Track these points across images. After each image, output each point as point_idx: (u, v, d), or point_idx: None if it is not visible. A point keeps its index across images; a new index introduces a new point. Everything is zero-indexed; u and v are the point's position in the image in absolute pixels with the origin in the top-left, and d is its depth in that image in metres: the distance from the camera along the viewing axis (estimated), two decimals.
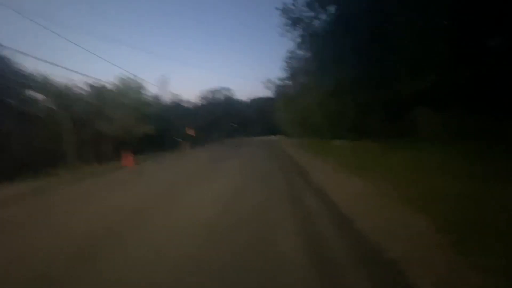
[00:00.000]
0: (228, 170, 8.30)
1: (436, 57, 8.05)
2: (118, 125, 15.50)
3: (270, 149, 17.19)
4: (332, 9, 13.20)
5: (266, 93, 73.28)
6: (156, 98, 28.49)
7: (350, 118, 13.24)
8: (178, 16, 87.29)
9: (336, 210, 3.73)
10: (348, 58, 12.64)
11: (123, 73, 16.58)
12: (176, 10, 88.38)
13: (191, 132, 32.93)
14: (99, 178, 8.60)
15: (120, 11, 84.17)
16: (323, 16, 14.06)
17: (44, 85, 12.23)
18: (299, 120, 18.22)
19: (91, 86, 14.61)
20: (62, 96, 12.72)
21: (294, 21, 16.31)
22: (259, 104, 58.07)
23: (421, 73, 8.92)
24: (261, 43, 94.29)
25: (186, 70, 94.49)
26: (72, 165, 12.86)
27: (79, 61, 65.22)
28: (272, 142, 25.25)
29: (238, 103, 62.77)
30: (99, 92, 14.78)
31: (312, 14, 14.60)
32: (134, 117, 16.18)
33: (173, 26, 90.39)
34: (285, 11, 15.07)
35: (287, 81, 20.40)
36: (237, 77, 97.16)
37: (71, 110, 13.22)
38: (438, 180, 4.37)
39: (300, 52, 19.49)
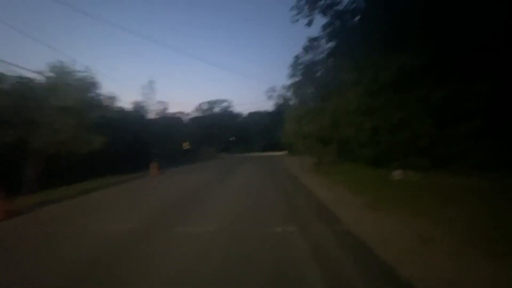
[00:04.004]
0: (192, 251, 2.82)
1: None
2: (48, 136, 10.11)
3: (277, 175, 11.74)
4: None
5: (268, 105, 68.57)
6: (138, 105, 23.93)
7: (418, 130, 7.92)
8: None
9: None
10: (415, 28, 7.45)
11: (67, 61, 11.27)
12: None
13: (185, 145, 27.82)
14: None
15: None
16: None
17: None
18: (317, 133, 12.89)
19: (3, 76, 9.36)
20: None
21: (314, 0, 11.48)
22: (259, 118, 53.36)
23: None
24: (264, 53, 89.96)
25: (184, 82, 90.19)
26: None
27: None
28: (277, 162, 19.73)
29: (238, 116, 58.09)
30: (14, 86, 9.53)
31: None
32: (77, 125, 10.81)
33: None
34: None
35: (303, 84, 15.32)
36: (238, 89, 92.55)
37: None
38: None
39: (317, 44, 14.63)
